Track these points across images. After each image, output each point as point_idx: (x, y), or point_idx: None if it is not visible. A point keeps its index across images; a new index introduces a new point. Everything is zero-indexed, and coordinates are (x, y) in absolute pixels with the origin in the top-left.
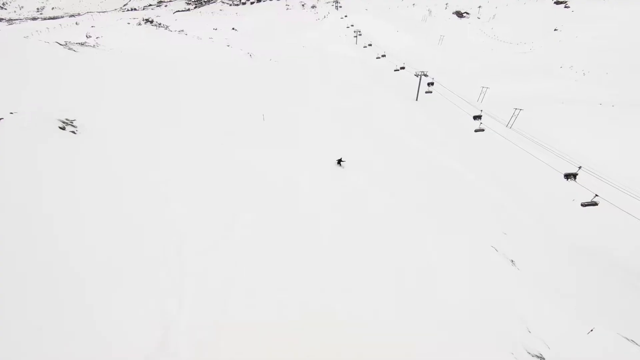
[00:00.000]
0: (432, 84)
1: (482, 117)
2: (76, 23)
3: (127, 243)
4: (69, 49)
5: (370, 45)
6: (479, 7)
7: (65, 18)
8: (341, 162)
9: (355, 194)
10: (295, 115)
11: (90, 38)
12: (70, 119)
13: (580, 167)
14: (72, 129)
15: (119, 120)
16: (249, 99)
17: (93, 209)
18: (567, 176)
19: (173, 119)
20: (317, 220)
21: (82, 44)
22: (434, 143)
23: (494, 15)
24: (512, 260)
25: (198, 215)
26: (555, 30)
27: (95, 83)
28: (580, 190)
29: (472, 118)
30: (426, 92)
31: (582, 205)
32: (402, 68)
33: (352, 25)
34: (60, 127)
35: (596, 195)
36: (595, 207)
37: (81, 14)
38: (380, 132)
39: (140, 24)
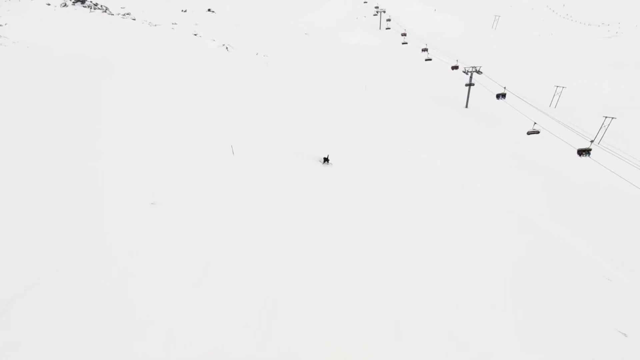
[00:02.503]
0: (504, 95)
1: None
2: None
3: None
4: None
5: (404, 35)
6: None
7: None
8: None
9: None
10: (285, 142)
11: None
12: None
13: None
14: None
15: None
16: (215, 120)
17: None
18: None
19: (72, 173)
20: None
21: None
22: (502, 180)
23: None
24: None
25: None
26: None
27: None
28: None
29: (576, 152)
30: (466, 85)
31: None
32: (455, 67)
33: (377, 7)
34: None
35: None
36: None
37: None
38: (425, 167)
39: (65, 5)
